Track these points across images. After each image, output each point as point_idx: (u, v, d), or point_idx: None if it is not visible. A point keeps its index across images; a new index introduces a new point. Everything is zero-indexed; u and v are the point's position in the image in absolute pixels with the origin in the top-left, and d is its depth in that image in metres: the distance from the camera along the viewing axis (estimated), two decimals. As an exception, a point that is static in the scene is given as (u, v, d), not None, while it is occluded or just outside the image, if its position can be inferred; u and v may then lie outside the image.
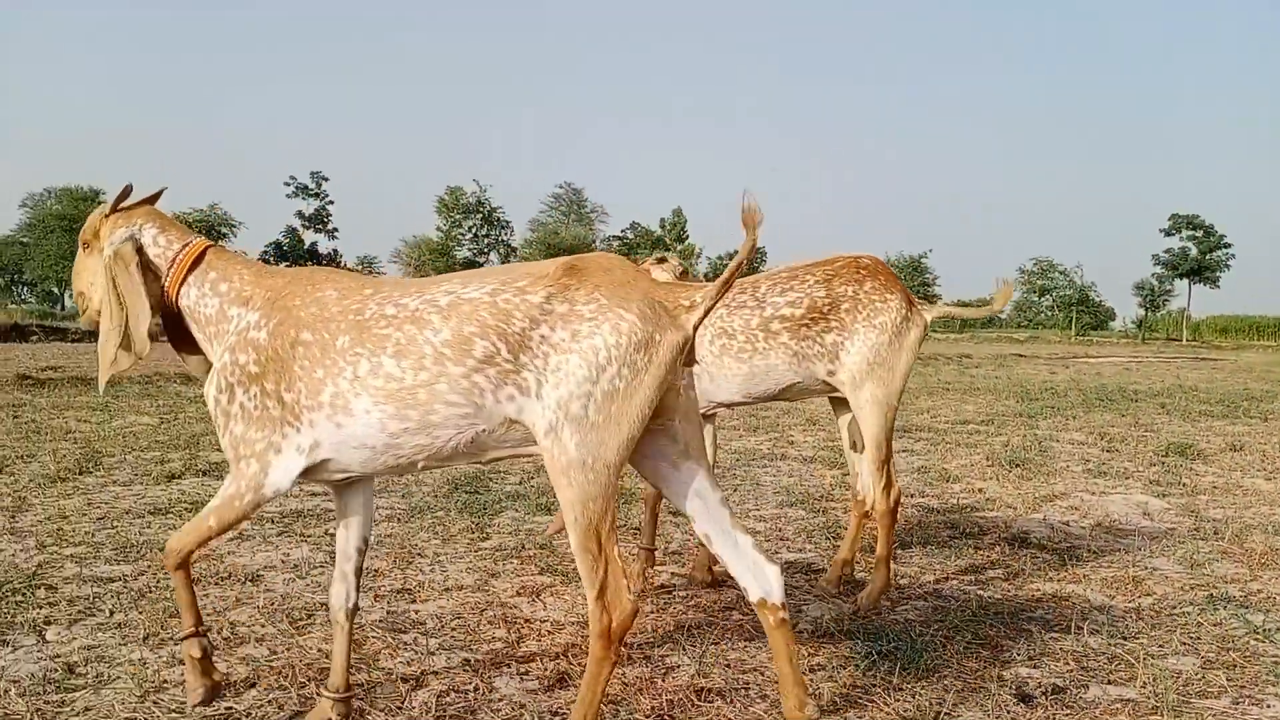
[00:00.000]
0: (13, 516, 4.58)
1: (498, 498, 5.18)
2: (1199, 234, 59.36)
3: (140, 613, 3.23)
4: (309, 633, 3.08)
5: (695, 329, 2.16)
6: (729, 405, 3.59)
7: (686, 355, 2.17)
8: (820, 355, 3.41)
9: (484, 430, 2.15)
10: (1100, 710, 2.58)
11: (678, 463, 2.29)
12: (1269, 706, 2.63)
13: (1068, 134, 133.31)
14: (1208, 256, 58.85)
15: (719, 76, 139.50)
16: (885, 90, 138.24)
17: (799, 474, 6.27)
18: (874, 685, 2.71)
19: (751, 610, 3.37)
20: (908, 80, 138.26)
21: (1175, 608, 3.51)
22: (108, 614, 3.22)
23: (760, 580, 2.27)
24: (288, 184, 58.02)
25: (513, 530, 4.51)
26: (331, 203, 59.02)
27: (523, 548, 4.19)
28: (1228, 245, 58.83)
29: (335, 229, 59.17)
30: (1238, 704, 2.64)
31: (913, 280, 66.24)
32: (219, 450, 6.63)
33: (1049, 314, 65.44)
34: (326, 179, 58.59)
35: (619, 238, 73.33)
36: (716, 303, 2.19)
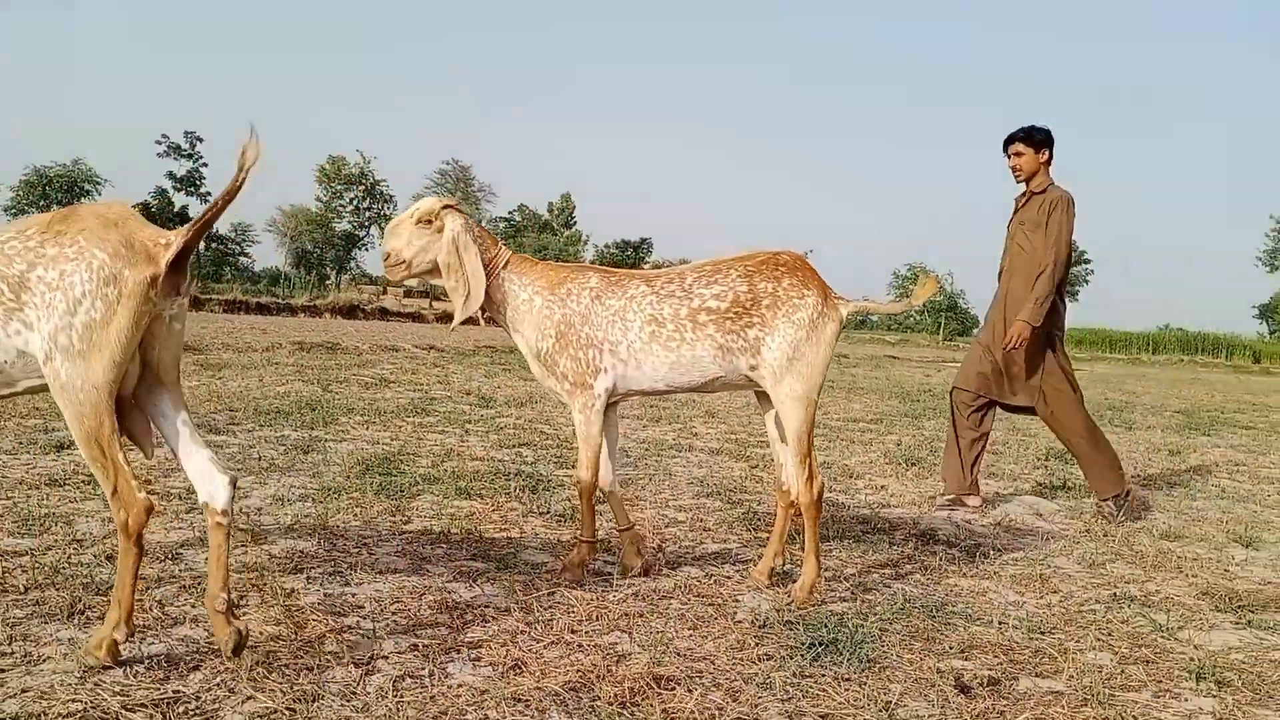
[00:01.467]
0: (-111, 483, 4.25)
1: (412, 480, 5.08)
2: (1061, 249, 62.54)
3: (57, 589, 3.05)
4: (242, 612, 2.97)
5: (167, 265, 2.42)
6: (648, 393, 3.63)
7: (175, 288, 2.49)
8: (744, 350, 3.46)
9: (5, 362, 2.45)
10: (1034, 702, 2.71)
11: (152, 385, 2.59)
12: (1186, 700, 2.81)
13: (946, 139, 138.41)
14: (1068, 271, 62.13)
15: (620, 55, 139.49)
16: (767, 76, 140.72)
17: (708, 465, 6.35)
18: (822, 675, 2.78)
19: (691, 598, 3.42)
20: (782, 76, 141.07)
21: (1083, 605, 3.71)
22: (21, 589, 3.04)
23: (209, 486, 2.57)
24: (159, 142, 55.42)
25: (434, 514, 4.44)
26: (206, 165, 56.60)
27: (449, 532, 4.13)
28: (1087, 260, 62.28)
29: (208, 193, 56.77)
30: (1158, 697, 2.82)
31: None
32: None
33: (918, 318, 67.93)
34: (201, 139, 56.18)
35: (505, 219, 72.71)
36: (191, 241, 2.45)
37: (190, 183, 56.16)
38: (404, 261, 3.51)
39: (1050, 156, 5.55)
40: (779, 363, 3.43)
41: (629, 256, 71.32)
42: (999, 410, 5.78)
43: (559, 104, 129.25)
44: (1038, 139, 5.50)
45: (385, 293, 46.56)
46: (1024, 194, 5.62)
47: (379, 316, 31.46)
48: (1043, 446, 8.30)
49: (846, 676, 2.78)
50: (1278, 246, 61.27)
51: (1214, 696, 2.85)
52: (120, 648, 2.51)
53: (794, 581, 3.61)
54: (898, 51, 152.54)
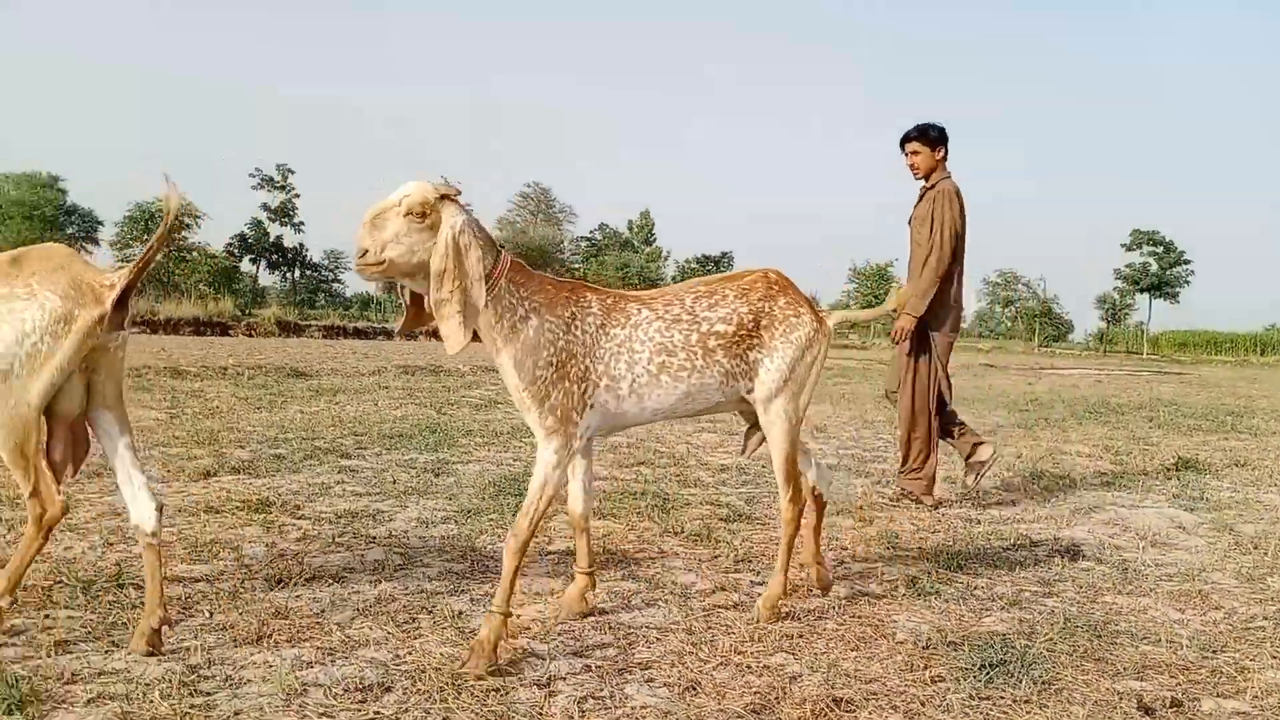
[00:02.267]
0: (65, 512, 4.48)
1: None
2: (1159, 250, 60.70)
3: (239, 613, 3.19)
4: (419, 635, 3.06)
5: (112, 304, 2.72)
6: (639, 424, 3.44)
7: (119, 324, 2.80)
8: (744, 373, 3.30)
9: None
10: (1222, 723, 2.64)
11: (97, 409, 2.89)
12: (1383, 721, 2.71)
13: (1034, 147, 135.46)
14: (1168, 272, 60.19)
15: (687, 75, 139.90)
16: (854, 91, 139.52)
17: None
18: (1000, 697, 2.75)
19: (847, 619, 3.40)
20: (874, 84, 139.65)
21: (1250, 621, 3.60)
22: (207, 615, 3.18)
23: (141, 510, 2.88)
24: (252, 175, 57.31)
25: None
26: (298, 195, 58.37)
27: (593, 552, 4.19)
28: (1187, 261, 60.22)
29: (301, 222, 58.53)
30: (1352, 718, 2.72)
31: (879, 288, 66.90)
32: (242, 448, 6.57)
33: (1010, 325, 66.45)
34: (293, 171, 57.95)
35: (587, 238, 73.33)
36: (133, 282, 2.76)
37: (284, 213, 57.97)
38: (383, 261, 2.83)
39: (945, 153, 5.71)
40: (774, 383, 3.30)
41: (709, 271, 71.29)
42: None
43: (636, 122, 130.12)
44: (933, 137, 5.66)
45: (474, 314, 47.27)
46: (921, 190, 5.79)
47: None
48: (1166, 456, 8.05)
49: (1025, 699, 2.74)
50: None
51: None
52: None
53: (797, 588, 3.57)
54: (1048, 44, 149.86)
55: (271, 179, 57.37)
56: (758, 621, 3.37)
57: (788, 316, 3.34)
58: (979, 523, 5.21)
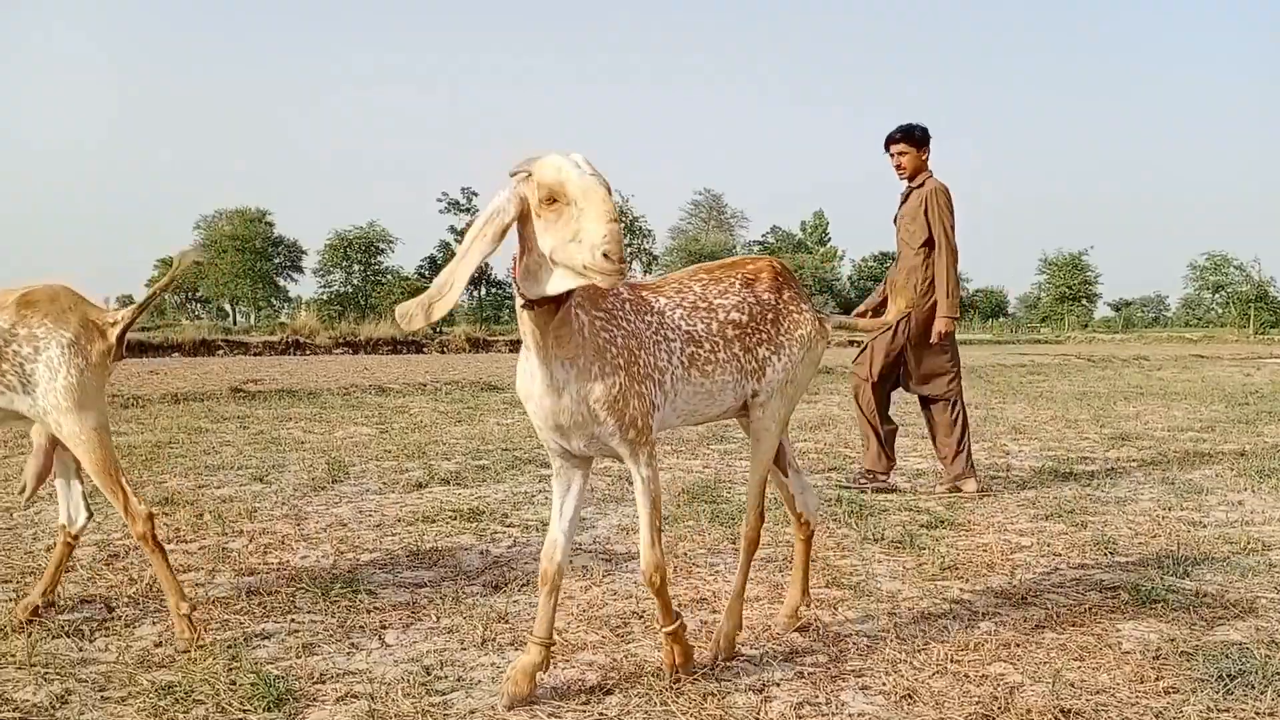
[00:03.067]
0: (297, 524, 4.87)
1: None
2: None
3: (464, 618, 3.38)
4: (632, 639, 3.16)
5: (119, 339, 3.10)
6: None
7: (117, 354, 3.12)
8: (753, 373, 2.92)
9: None
10: None
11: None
12: None
13: (1240, 118, 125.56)
14: None
15: (861, 72, 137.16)
16: (1039, 79, 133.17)
17: (1035, 485, 6.08)
18: (1241, 710, 2.59)
19: (1066, 628, 3.28)
20: (1068, 70, 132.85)
21: None
22: (435, 619, 3.39)
23: (74, 514, 3.36)
24: (440, 200, 60.03)
25: (770, 542, 4.52)
26: (481, 213, 60.73)
27: (788, 558, 4.19)
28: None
29: (487, 241, 60.81)
30: None
31: (1073, 278, 63.60)
32: (449, 460, 6.92)
33: (1222, 311, 61.68)
34: (476, 194, 60.31)
35: (760, 242, 73.03)
36: (133, 321, 3.14)
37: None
38: None
39: (929, 153, 5.86)
40: (776, 385, 2.96)
41: (886, 269, 69.67)
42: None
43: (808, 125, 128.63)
44: (918, 137, 5.81)
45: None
46: (906, 190, 5.93)
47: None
48: None
49: (1270, 711, 2.58)
50: None
51: None
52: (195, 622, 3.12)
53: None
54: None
55: (457, 202, 59.96)
56: (783, 631, 3.22)
57: (792, 312, 3.00)
58: (1203, 525, 4.90)
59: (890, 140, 5.85)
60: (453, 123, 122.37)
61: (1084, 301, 64.51)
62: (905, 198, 5.94)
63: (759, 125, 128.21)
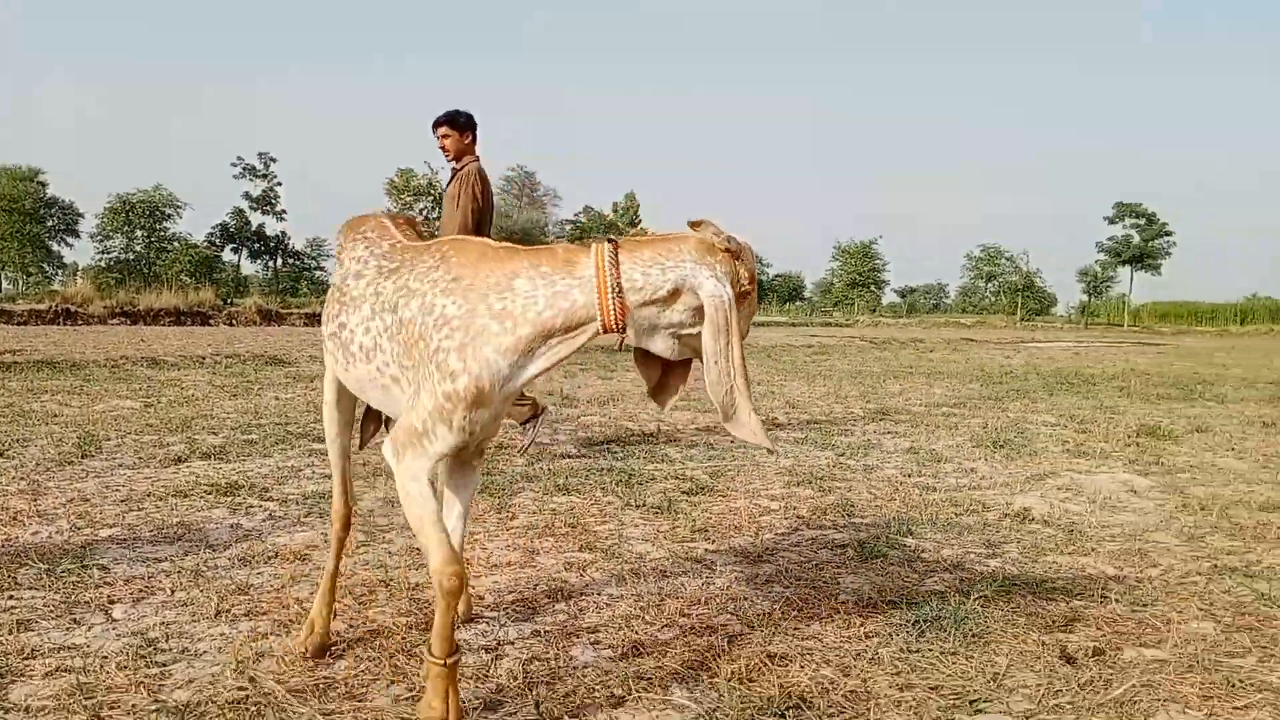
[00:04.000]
0: (34, 499, 4.56)
1: (512, 479, 5.28)
2: (1142, 222, 60.95)
3: (201, 590, 3.29)
4: (377, 606, 3.17)
5: None
6: None
7: None
8: None
9: None
10: (1140, 670, 2.77)
11: None
12: (1293, 665, 2.84)
13: (1017, 124, 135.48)
14: (1150, 244, 60.47)
15: (669, 53, 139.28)
16: (835, 71, 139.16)
17: (794, 455, 6.44)
18: (929, 650, 2.87)
19: (792, 581, 3.52)
20: (860, 63, 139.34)
21: (1184, 578, 3.73)
22: (169, 592, 3.28)
23: None
24: (234, 164, 56.95)
25: (536, 510, 4.61)
26: (280, 184, 58.02)
27: (553, 526, 4.29)
28: (1169, 233, 60.50)
29: (283, 211, 58.22)
30: (1264, 662, 2.85)
31: (863, 266, 67.13)
32: (215, 434, 6.64)
33: (994, 299, 66.71)
34: (275, 159, 57.59)
35: (572, 221, 73.19)
36: None
37: (266, 202, 57.64)
38: None
39: (474, 138, 6.06)
40: None
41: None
42: None
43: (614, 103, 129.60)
44: (461, 123, 5.98)
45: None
46: (451, 172, 6.14)
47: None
48: (1131, 423, 8.20)
49: (953, 651, 2.86)
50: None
51: (1324, 662, 2.87)
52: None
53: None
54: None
55: (253, 167, 57.01)
56: None
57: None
58: (935, 490, 5.34)
59: (435, 124, 6.02)
60: (250, 86, 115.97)
61: (872, 287, 68.28)
62: (449, 180, 6.14)
63: (571, 104, 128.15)
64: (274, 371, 11.85)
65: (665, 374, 2.26)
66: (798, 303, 70.53)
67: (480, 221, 5.92)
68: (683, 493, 5.09)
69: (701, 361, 2.07)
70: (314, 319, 29.39)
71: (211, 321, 25.23)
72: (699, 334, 2.06)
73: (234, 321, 25.69)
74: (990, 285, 67.76)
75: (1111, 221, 62.13)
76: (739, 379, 2.04)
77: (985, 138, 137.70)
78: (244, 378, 10.88)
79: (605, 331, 2.07)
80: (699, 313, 2.05)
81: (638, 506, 4.73)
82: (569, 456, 6.13)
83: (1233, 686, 2.65)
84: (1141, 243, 60.51)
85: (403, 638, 2.87)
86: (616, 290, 2.04)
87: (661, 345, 2.13)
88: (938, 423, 8.32)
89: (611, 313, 2.04)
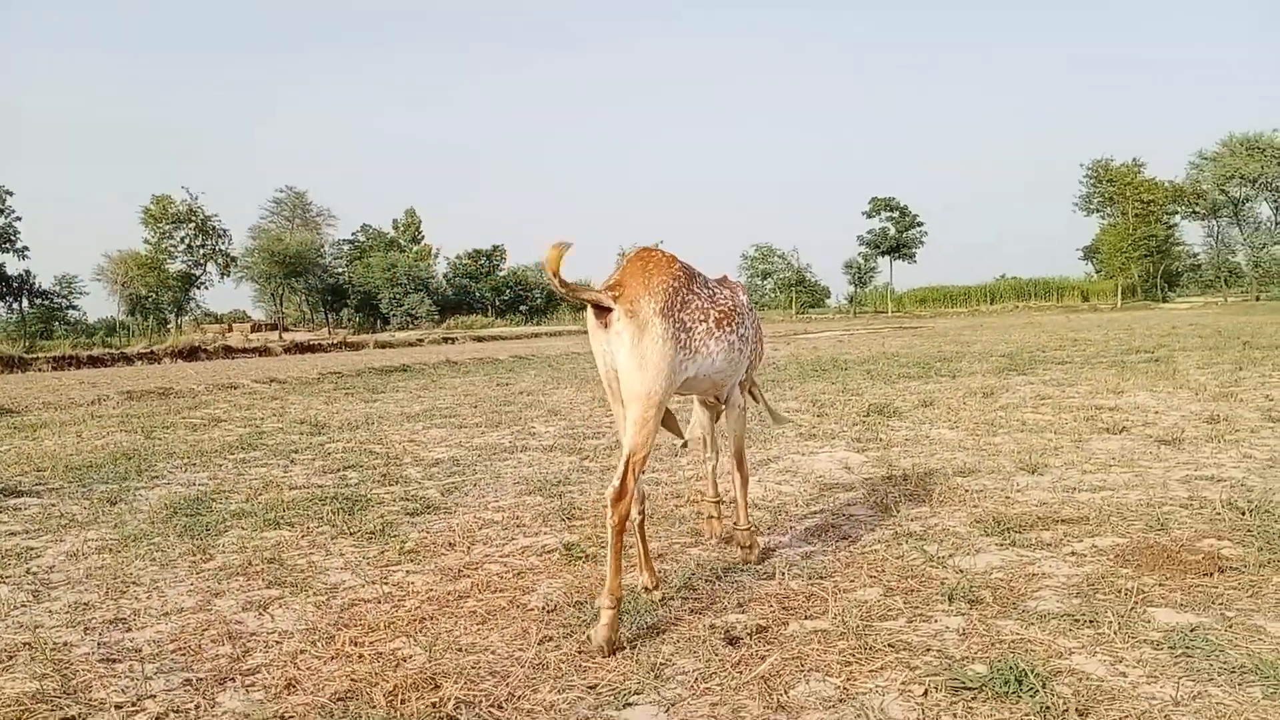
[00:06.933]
0: None
1: (221, 518, 4.98)
2: (896, 215, 65.40)
3: None
4: (8, 673, 2.87)
5: None
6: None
7: None
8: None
9: None
10: (798, 642, 2.88)
11: None
12: (936, 621, 3.03)
13: (782, 125, 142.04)
14: (904, 235, 64.93)
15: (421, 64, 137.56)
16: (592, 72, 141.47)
17: (539, 463, 6.41)
18: (589, 643, 2.87)
19: (487, 594, 3.47)
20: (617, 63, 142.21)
21: (866, 547, 3.94)
22: None
23: None
24: (-41, 200, 51.66)
25: (238, 548, 4.36)
26: (19, 219, 53.16)
27: (249, 564, 4.06)
28: (921, 224, 65.13)
29: (25, 248, 53.41)
30: (911, 622, 3.03)
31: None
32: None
33: (773, 295, 69.60)
34: (10, 193, 52.69)
35: (350, 241, 70.96)
36: None
37: (5, 239, 52.70)
38: None
39: None
40: None
41: (482, 266, 70.70)
42: None
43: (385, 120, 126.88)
44: None
45: (230, 329, 45.07)
46: None
47: (223, 355, 30.29)
48: (865, 404, 8.67)
49: (621, 646, 2.88)
50: (1089, 191, 65.29)
51: (962, 615, 3.08)
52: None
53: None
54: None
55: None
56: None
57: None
58: (659, 484, 5.43)
59: None
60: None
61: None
62: None
63: (345, 118, 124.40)
64: (-7, 423, 10.78)
65: None
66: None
67: None
68: (406, 514, 4.95)
69: None
70: (63, 362, 27.11)
71: (-63, 373, 22.79)
72: None
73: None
74: (768, 282, 70.68)
75: (869, 216, 66.42)
76: None
77: (748, 141, 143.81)
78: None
79: None
80: None
81: (351, 534, 4.56)
82: (295, 487, 5.85)
83: (871, 650, 2.79)
84: (897, 234, 64.95)
85: (23, 708, 2.61)
86: None
87: None
88: (678, 416, 8.50)
89: None
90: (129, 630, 3.26)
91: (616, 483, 2.91)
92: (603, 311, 3.03)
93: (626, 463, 2.92)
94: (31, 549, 4.51)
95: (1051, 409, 8.03)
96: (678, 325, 3.02)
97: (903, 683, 2.55)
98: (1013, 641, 2.81)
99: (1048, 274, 66.60)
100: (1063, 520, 4.19)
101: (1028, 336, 21.20)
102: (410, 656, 2.89)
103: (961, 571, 3.53)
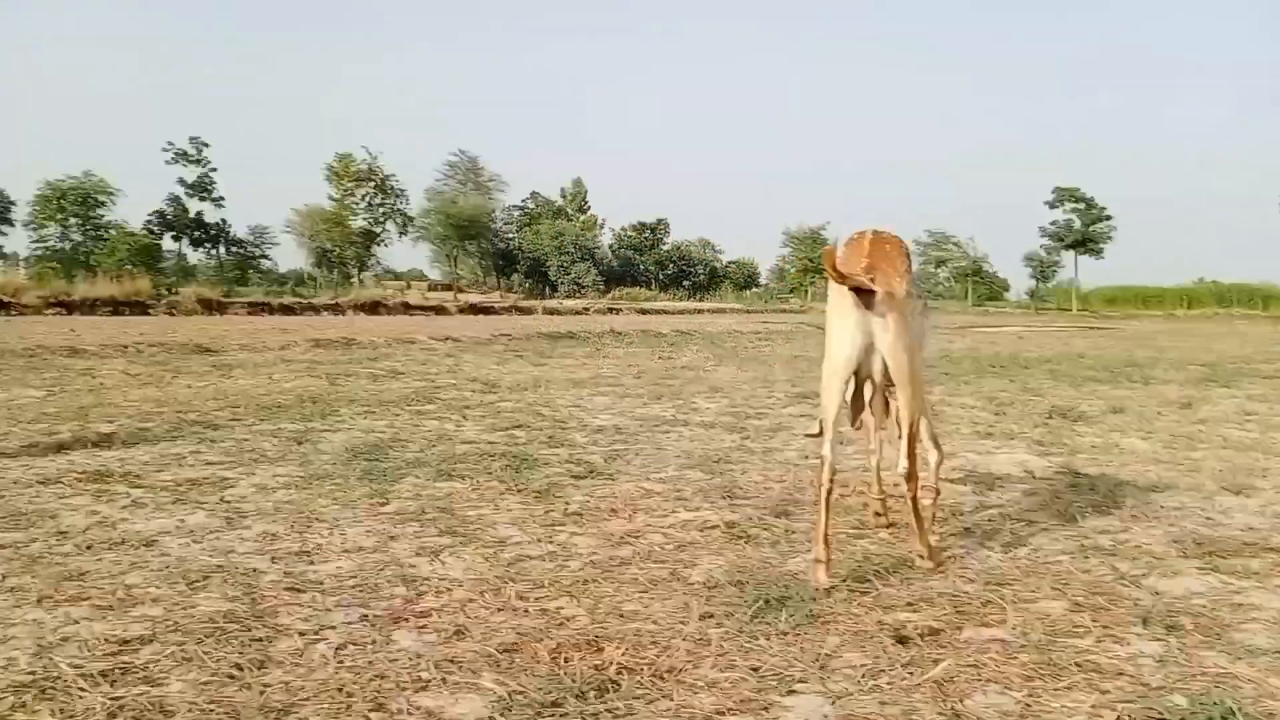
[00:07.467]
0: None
1: (398, 465, 5.17)
2: (1081, 206, 61.69)
3: (34, 577, 3.17)
4: (204, 591, 3.06)
5: None
6: None
7: None
8: None
9: None
10: (973, 650, 2.74)
11: None
12: (1129, 644, 2.81)
13: (961, 106, 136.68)
14: (1090, 228, 61.24)
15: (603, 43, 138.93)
16: (775, 59, 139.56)
17: (701, 439, 6.39)
18: (762, 632, 2.82)
19: (649, 564, 3.46)
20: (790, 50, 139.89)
21: (1049, 557, 3.72)
22: (0, 578, 3.16)
23: None
24: (166, 149, 55.62)
25: (413, 495, 4.52)
26: (215, 169, 56.76)
27: (423, 511, 4.20)
28: (1109, 217, 61.28)
29: (221, 197, 57.06)
30: (1100, 642, 2.82)
31: (814, 252, 67.36)
32: (110, 422, 6.47)
33: (947, 285, 67.29)
34: (208, 144, 56.27)
35: (519, 207, 72.62)
36: None
37: (202, 188, 56.34)
38: None
39: None
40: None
41: (646, 239, 71.14)
42: None
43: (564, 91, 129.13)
44: None
45: (409, 287, 46.94)
46: None
47: (402, 311, 31.69)
48: (1048, 405, 8.25)
49: (784, 632, 2.82)
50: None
51: (1159, 640, 2.85)
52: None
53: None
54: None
55: (185, 153, 55.69)
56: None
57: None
58: (839, 472, 5.29)
59: None
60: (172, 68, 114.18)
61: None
62: None
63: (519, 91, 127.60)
64: (197, 361, 11.62)
65: None
66: (754, 289, 70.63)
67: None
68: (571, 477, 5.01)
69: None
70: (258, 308, 28.97)
71: (150, 311, 24.78)
72: None
73: (175, 311, 25.24)
74: (942, 270, 68.32)
75: (1052, 206, 62.92)
76: None
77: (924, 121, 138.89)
78: (163, 366, 10.66)
79: None
80: None
81: (519, 491, 4.65)
82: (467, 442, 6.03)
83: (1057, 668, 2.62)
84: (1083, 227, 61.28)
85: (217, 626, 2.77)
86: None
87: None
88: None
89: None
90: (312, 563, 3.42)
91: (905, 462, 3.35)
92: (865, 294, 3.21)
93: (910, 438, 3.34)
94: (226, 479, 4.80)
95: (1258, 426, 7.41)
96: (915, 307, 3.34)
97: (1092, 705, 2.38)
98: (1217, 675, 2.59)
99: (1252, 279, 61.71)
100: (1273, 549, 3.85)
101: (1230, 346, 19.70)
102: (573, 617, 2.91)
103: (1158, 594, 3.27)
